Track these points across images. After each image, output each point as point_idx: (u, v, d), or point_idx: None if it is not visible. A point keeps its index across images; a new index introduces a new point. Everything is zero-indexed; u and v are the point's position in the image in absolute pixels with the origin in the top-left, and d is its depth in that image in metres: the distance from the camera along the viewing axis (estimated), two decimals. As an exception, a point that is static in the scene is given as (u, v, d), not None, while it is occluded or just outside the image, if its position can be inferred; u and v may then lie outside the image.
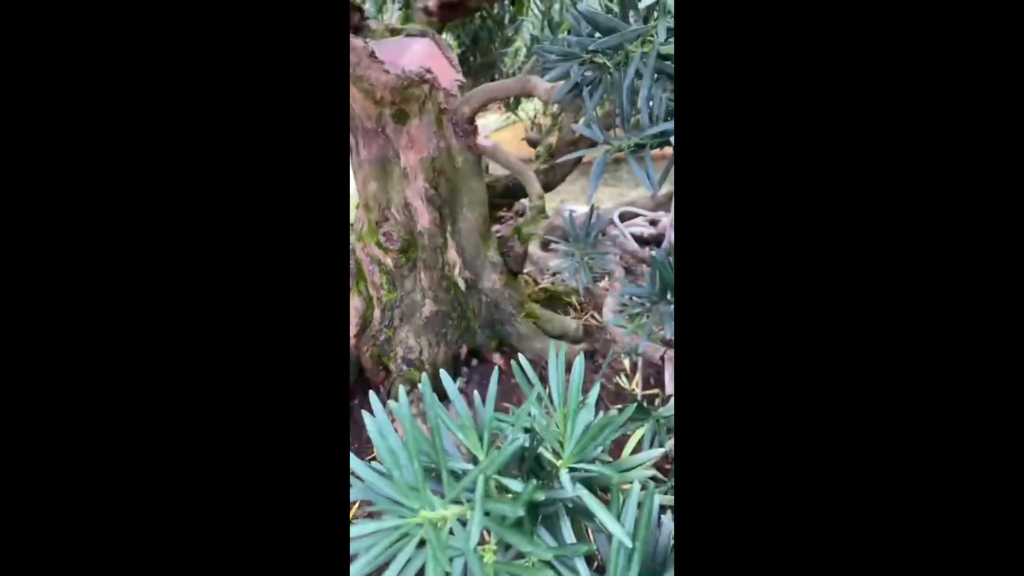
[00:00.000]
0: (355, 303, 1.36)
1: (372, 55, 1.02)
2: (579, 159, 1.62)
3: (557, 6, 1.89)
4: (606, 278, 1.91)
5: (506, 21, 1.76)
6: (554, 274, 1.71)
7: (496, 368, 1.14)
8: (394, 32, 1.20)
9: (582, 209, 1.83)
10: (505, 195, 1.55)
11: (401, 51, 1.12)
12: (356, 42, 1.02)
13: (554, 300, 1.67)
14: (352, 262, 1.41)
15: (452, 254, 1.29)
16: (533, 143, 1.79)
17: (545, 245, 1.23)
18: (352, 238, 1.32)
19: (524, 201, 1.97)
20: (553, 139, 1.73)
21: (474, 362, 1.40)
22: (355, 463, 0.39)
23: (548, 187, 1.50)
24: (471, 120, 1.16)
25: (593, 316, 1.61)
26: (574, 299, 1.67)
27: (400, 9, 1.47)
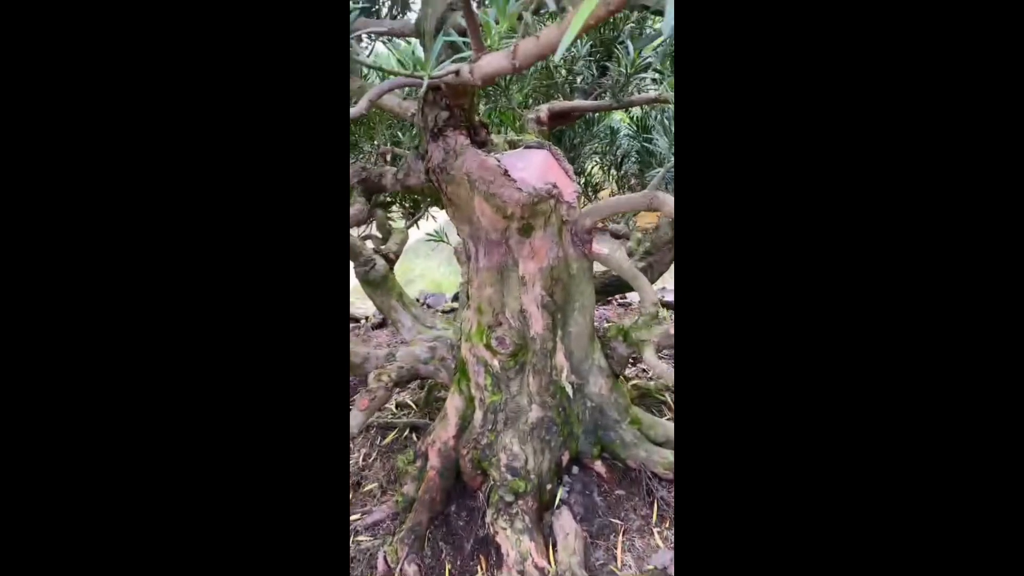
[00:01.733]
0: (456, 402, 1.34)
1: (506, 174, 1.05)
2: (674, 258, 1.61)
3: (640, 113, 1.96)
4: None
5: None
6: None
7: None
8: (512, 144, 1.25)
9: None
10: (603, 290, 1.55)
11: (523, 164, 1.15)
12: (489, 161, 1.06)
13: (646, 397, 1.61)
14: (450, 358, 1.40)
15: (560, 358, 1.26)
16: (617, 235, 1.80)
17: (659, 351, 1.20)
18: (460, 337, 1.32)
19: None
20: (639, 221, 1.73)
21: (575, 470, 1.34)
22: None
23: (645, 285, 1.49)
24: (590, 231, 1.17)
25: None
26: (668, 396, 1.61)
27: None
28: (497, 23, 0.68)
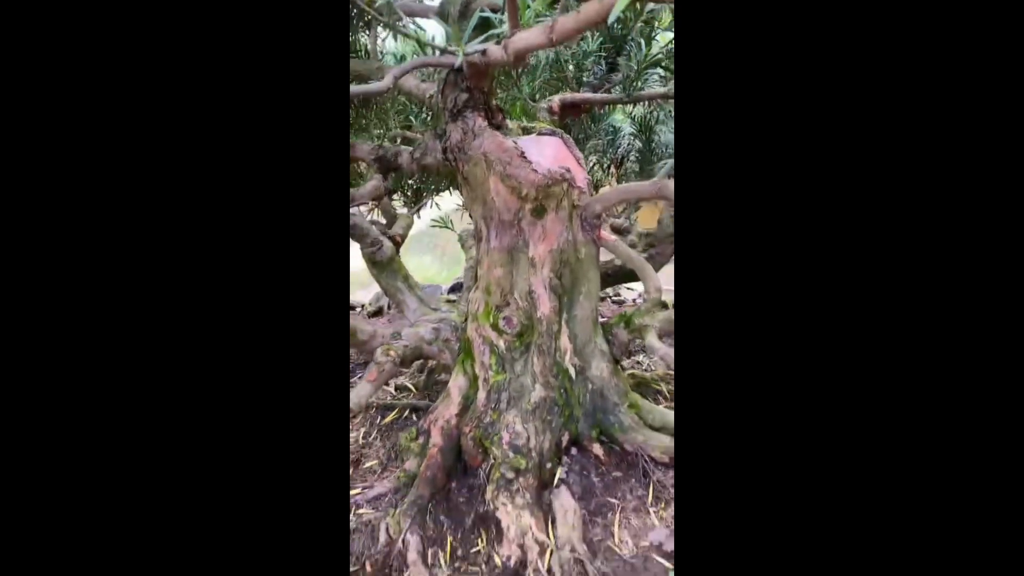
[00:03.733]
0: (459, 382, 1.37)
1: (522, 155, 1.09)
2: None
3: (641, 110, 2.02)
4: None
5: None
6: None
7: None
8: (525, 131, 1.28)
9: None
10: (605, 280, 1.58)
11: (538, 149, 1.19)
12: (507, 142, 1.10)
13: (642, 387, 1.65)
14: (453, 339, 1.43)
15: (565, 340, 1.30)
16: (619, 229, 1.84)
17: (662, 336, 1.24)
18: (466, 318, 1.34)
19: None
20: (642, 219, 1.78)
21: (573, 451, 1.37)
22: None
23: (646, 275, 1.54)
24: (599, 216, 1.21)
25: (684, 406, 1.59)
26: (663, 386, 1.65)
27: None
28: (533, 1, 0.71)
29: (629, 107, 2.02)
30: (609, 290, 2.48)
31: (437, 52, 0.98)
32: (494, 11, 0.92)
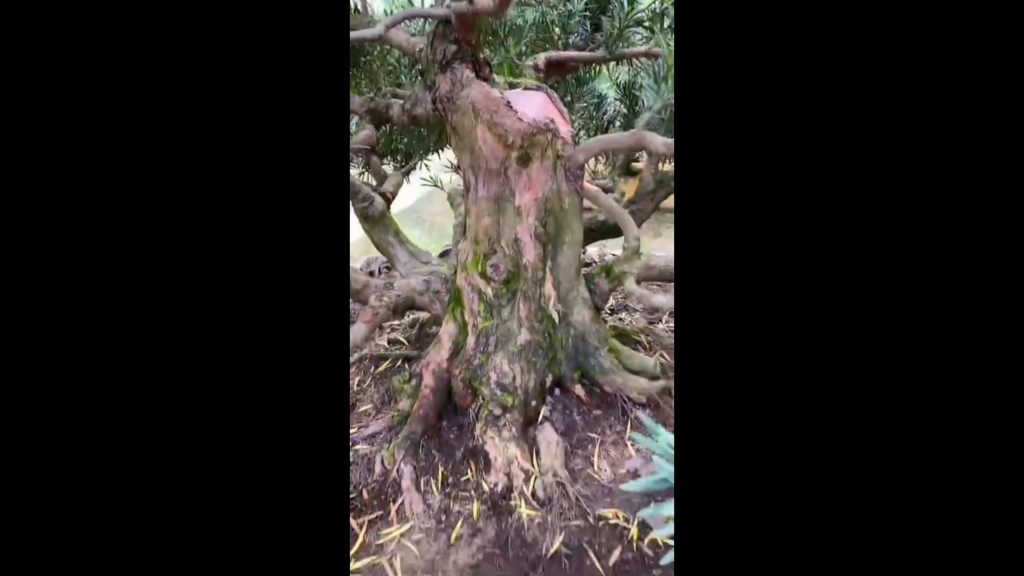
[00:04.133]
0: (450, 328, 1.44)
1: (508, 104, 1.14)
2: (656, 205, 1.74)
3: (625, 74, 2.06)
4: (663, 319, 1.99)
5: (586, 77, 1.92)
6: (652, 313, 1.80)
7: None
8: (512, 86, 1.33)
9: (659, 253, 1.94)
10: (588, 235, 1.65)
11: (523, 101, 1.24)
12: (493, 92, 1.15)
13: (623, 337, 1.74)
14: (443, 289, 1.50)
15: (549, 287, 1.37)
16: (605, 190, 1.91)
17: (640, 282, 1.32)
18: (456, 269, 1.41)
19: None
20: (626, 187, 1.85)
21: (556, 391, 1.46)
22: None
23: (627, 231, 1.61)
24: (581, 167, 1.28)
25: (662, 354, 1.68)
26: (643, 337, 1.74)
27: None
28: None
29: (615, 74, 2.07)
30: (594, 252, 2.55)
31: (426, 4, 1.03)
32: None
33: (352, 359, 1.66)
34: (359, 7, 1.49)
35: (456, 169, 1.37)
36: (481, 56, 1.20)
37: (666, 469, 0.45)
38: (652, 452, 0.67)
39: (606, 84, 2.26)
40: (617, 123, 2.31)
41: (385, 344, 1.82)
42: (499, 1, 0.79)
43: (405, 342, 1.82)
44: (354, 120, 1.70)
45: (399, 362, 1.68)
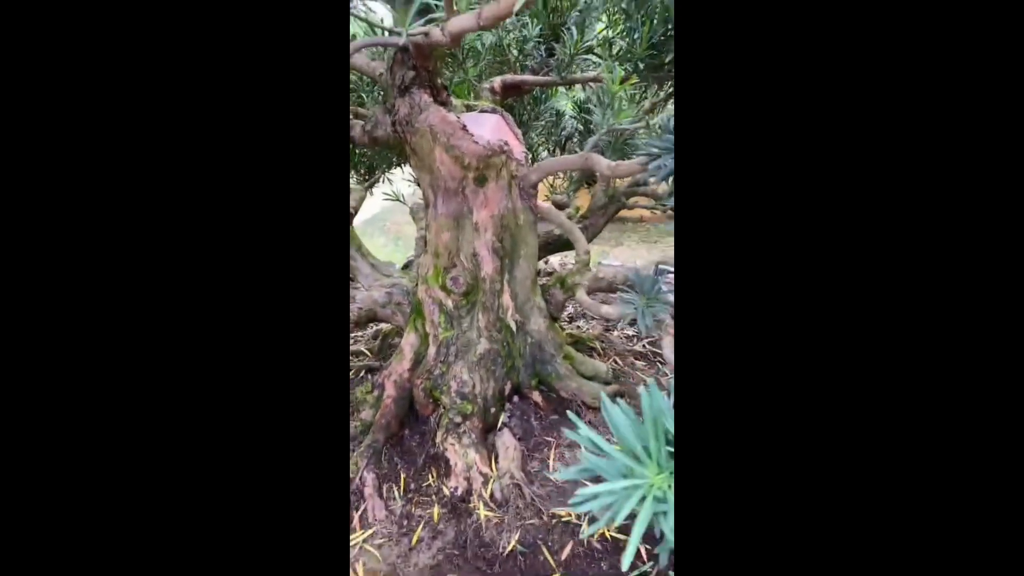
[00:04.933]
0: (411, 339, 1.49)
1: (464, 128, 1.21)
2: (608, 219, 1.84)
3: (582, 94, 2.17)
4: (618, 326, 2.09)
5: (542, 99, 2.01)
6: (607, 321, 1.89)
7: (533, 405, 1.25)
8: (468, 108, 1.41)
9: (614, 263, 2.04)
10: (544, 249, 1.74)
11: (478, 124, 1.32)
12: (450, 116, 1.22)
13: (578, 344, 1.83)
14: (405, 301, 1.55)
15: (506, 299, 1.45)
16: (559, 205, 2.00)
17: (590, 293, 1.40)
18: (416, 282, 1.46)
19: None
20: (579, 202, 1.95)
21: (515, 399, 1.53)
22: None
23: (581, 244, 1.70)
24: (534, 186, 1.36)
25: (615, 360, 1.77)
26: (597, 344, 1.83)
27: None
28: (466, -9, 0.84)
29: (572, 93, 2.18)
30: (556, 261, 2.65)
31: (386, 33, 1.09)
32: (433, -2, 1.04)
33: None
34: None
35: (418, 183, 1.42)
36: (439, 80, 1.27)
37: (591, 460, 0.52)
38: (578, 444, 0.74)
39: (564, 102, 2.38)
40: (575, 139, 2.42)
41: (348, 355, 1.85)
42: (452, 36, 0.87)
43: (368, 353, 1.85)
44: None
45: (362, 373, 1.72)
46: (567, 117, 2.41)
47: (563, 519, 1.19)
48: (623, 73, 1.20)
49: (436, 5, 0.93)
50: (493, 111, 1.41)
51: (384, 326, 1.93)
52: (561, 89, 2.24)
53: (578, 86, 2.16)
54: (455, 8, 0.85)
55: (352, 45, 1.05)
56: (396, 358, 1.50)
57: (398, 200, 1.88)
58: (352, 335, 1.96)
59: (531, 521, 1.19)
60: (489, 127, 1.31)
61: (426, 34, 1.02)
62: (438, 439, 1.39)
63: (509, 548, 1.12)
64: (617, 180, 1.86)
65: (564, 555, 1.11)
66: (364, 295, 1.54)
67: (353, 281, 1.64)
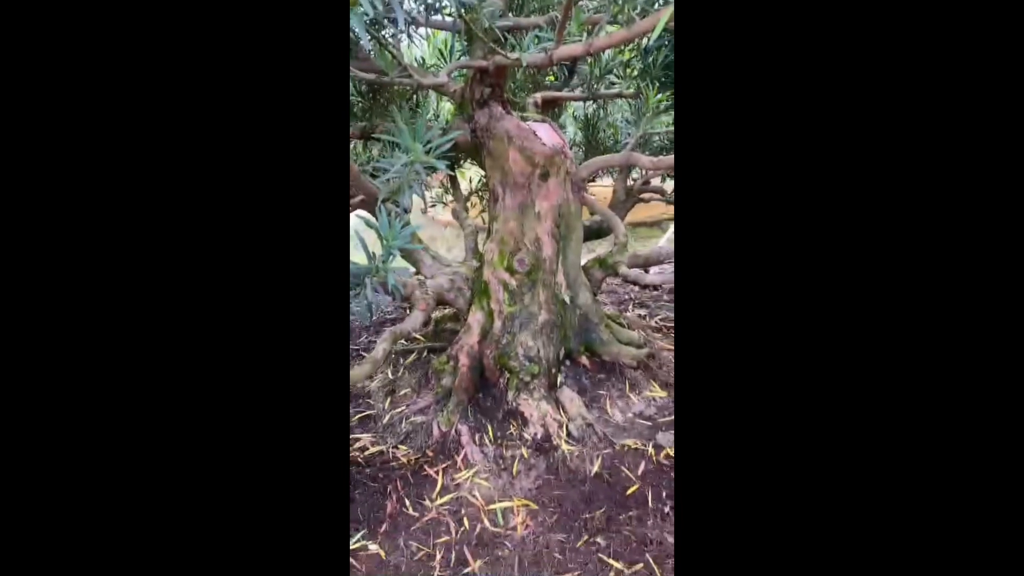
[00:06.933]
0: (478, 317, 1.73)
1: (535, 133, 1.49)
2: (627, 212, 2.15)
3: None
4: (631, 306, 2.40)
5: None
6: (650, 287, 2.20)
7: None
8: (523, 119, 1.69)
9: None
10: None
11: (540, 130, 1.60)
12: (523, 124, 1.50)
13: (609, 319, 2.11)
14: (461, 284, 1.79)
15: (560, 277, 1.72)
16: (578, 202, 2.30)
17: (631, 267, 1.70)
18: (481, 266, 1.72)
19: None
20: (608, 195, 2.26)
21: (568, 362, 1.79)
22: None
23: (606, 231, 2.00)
24: (584, 180, 1.65)
25: (640, 331, 2.07)
26: (621, 320, 2.12)
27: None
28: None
29: (573, 108, 2.51)
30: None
31: (463, 58, 1.35)
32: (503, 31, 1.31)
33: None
34: (395, 55, 1.79)
35: (485, 183, 1.67)
36: (506, 96, 1.55)
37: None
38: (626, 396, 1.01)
39: (563, 116, 2.71)
40: (581, 148, 2.75)
41: (403, 341, 2.05)
42: (558, 59, 1.14)
43: (421, 339, 2.06)
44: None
45: (424, 353, 1.93)
46: (567, 130, 2.74)
47: (632, 447, 1.46)
48: (657, 88, 1.52)
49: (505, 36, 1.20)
50: (543, 121, 1.69)
51: (435, 313, 2.15)
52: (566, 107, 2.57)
53: (581, 104, 2.48)
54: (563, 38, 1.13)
55: (448, 67, 1.31)
56: (465, 333, 1.74)
57: (443, 203, 2.12)
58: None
59: (606, 451, 1.45)
60: (546, 133, 1.60)
61: (506, 56, 1.30)
62: (509, 397, 1.63)
63: (595, 469, 1.38)
64: (629, 180, 2.19)
65: (640, 471, 1.38)
66: (432, 282, 1.77)
67: (416, 272, 1.86)
